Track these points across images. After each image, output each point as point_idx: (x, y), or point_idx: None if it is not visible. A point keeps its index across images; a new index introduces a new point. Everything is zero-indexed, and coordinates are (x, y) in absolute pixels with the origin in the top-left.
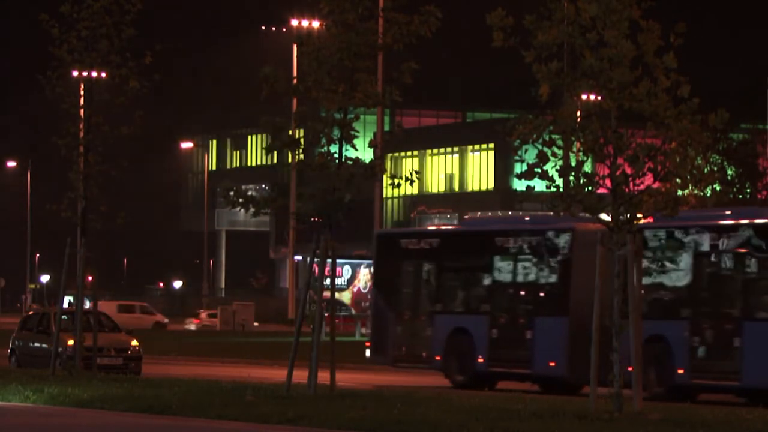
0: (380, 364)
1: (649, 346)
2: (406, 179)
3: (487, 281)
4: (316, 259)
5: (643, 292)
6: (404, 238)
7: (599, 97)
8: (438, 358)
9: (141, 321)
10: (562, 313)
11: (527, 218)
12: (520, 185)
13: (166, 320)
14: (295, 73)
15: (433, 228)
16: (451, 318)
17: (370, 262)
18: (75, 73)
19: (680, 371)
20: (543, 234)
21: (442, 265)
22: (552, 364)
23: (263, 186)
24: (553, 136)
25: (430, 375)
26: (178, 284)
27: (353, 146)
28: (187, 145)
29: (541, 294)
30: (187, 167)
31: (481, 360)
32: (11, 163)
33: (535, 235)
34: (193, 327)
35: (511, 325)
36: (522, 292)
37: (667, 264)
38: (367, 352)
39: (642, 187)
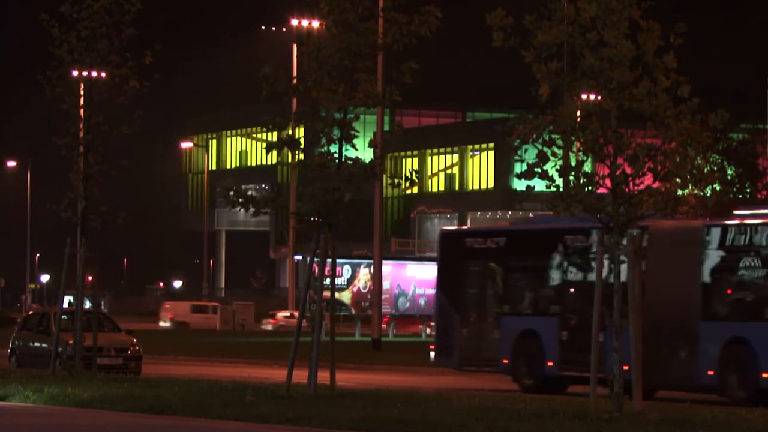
0: (445, 367)
1: (730, 349)
2: (407, 179)
3: (556, 281)
4: (316, 259)
5: (725, 292)
6: (470, 236)
7: (599, 97)
8: (505, 361)
9: (213, 321)
10: None
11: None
12: (520, 185)
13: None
14: (295, 73)
15: (500, 226)
16: (519, 320)
17: (370, 261)
18: (75, 73)
19: (765, 375)
20: None
21: (510, 264)
22: (625, 367)
23: (263, 186)
24: (553, 136)
25: (492, 378)
26: (178, 284)
27: (353, 146)
28: (187, 145)
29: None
30: (187, 167)
31: (550, 363)
32: (11, 163)
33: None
34: (270, 327)
35: (582, 327)
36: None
37: (751, 262)
38: (431, 355)
39: (642, 187)
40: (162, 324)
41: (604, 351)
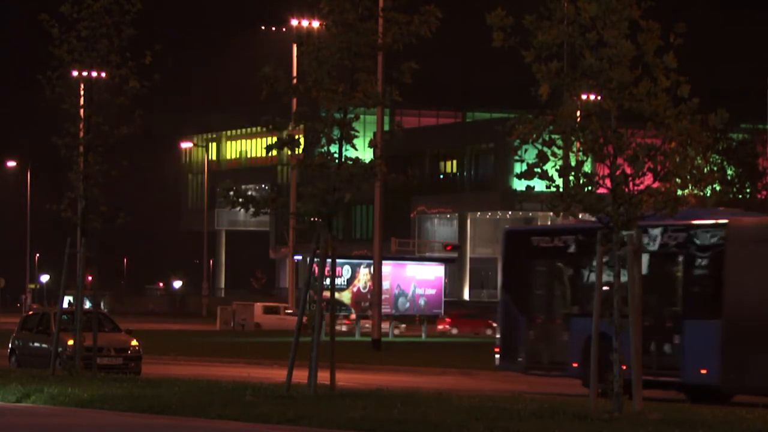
0: (510, 371)
1: None
2: (407, 179)
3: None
4: (316, 259)
5: None
6: (536, 235)
7: (599, 97)
8: (575, 365)
9: (285, 322)
10: (715, 315)
11: None
12: (520, 185)
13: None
14: (295, 73)
15: (568, 224)
16: (590, 321)
17: (370, 261)
18: (75, 73)
19: None
20: (693, 229)
21: (579, 263)
22: (703, 371)
23: (263, 186)
24: (553, 136)
25: (555, 382)
26: (178, 284)
27: (353, 146)
28: (187, 145)
29: (691, 294)
30: (187, 167)
31: (623, 367)
32: (11, 163)
33: (683, 231)
34: (344, 328)
35: (656, 329)
36: (669, 293)
37: None
38: (496, 358)
39: (642, 187)
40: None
41: (680, 354)
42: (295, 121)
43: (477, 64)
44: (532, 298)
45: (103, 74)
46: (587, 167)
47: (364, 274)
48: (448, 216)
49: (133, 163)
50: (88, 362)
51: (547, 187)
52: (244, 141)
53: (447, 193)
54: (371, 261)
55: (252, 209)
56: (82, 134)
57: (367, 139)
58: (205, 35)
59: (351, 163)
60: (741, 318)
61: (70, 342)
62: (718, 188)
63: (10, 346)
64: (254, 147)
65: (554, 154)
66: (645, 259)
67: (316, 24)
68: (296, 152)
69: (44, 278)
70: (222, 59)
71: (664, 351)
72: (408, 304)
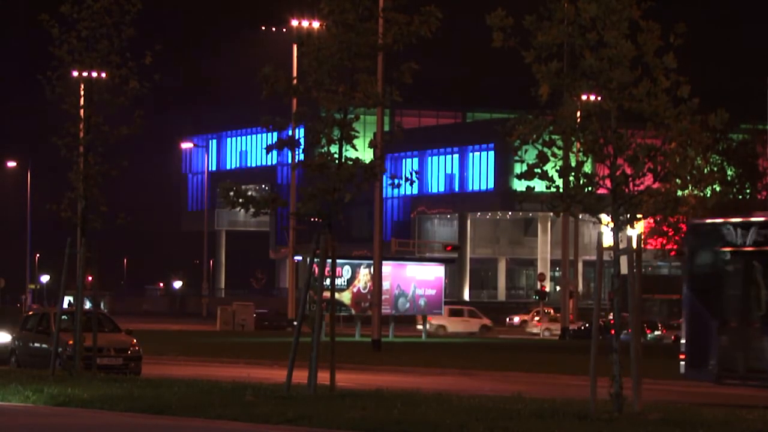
0: (700, 380)
1: None
2: (407, 179)
3: None
4: (316, 259)
5: None
6: (728, 228)
7: (599, 97)
8: None
9: (468, 324)
10: None
11: None
12: (520, 185)
13: (490, 323)
14: (295, 73)
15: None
16: None
17: (370, 262)
18: (75, 73)
19: None
20: None
21: None
22: None
23: (263, 186)
24: (553, 136)
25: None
26: (178, 284)
27: (353, 146)
28: (187, 145)
29: None
30: (187, 167)
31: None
32: (11, 163)
33: None
34: (536, 330)
35: None
36: None
37: None
38: (681, 366)
39: (642, 187)
40: (419, 327)
41: None
42: (295, 121)
43: (477, 64)
44: (724, 299)
45: (103, 74)
46: (587, 168)
47: (364, 275)
48: (448, 216)
49: (134, 163)
50: (88, 362)
51: (547, 187)
52: (244, 141)
53: (447, 193)
54: (371, 261)
55: (252, 209)
56: (82, 134)
57: (367, 140)
58: (205, 35)
59: (351, 163)
60: None
61: (70, 342)
62: (718, 189)
63: (10, 346)
64: (254, 147)
65: (554, 155)
66: None
67: (316, 24)
68: (296, 153)
69: (44, 278)
70: (222, 59)
71: None
72: (408, 305)
